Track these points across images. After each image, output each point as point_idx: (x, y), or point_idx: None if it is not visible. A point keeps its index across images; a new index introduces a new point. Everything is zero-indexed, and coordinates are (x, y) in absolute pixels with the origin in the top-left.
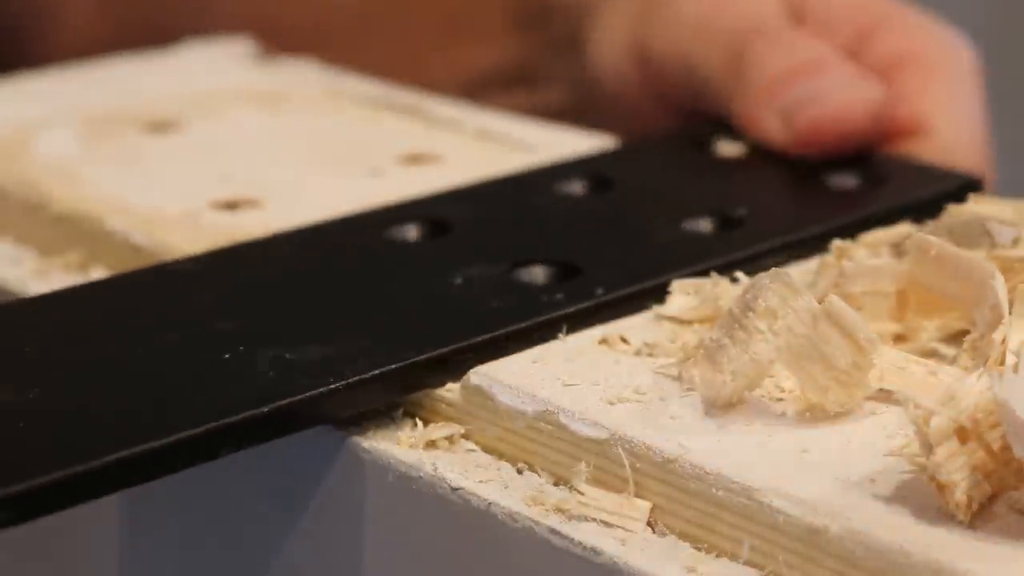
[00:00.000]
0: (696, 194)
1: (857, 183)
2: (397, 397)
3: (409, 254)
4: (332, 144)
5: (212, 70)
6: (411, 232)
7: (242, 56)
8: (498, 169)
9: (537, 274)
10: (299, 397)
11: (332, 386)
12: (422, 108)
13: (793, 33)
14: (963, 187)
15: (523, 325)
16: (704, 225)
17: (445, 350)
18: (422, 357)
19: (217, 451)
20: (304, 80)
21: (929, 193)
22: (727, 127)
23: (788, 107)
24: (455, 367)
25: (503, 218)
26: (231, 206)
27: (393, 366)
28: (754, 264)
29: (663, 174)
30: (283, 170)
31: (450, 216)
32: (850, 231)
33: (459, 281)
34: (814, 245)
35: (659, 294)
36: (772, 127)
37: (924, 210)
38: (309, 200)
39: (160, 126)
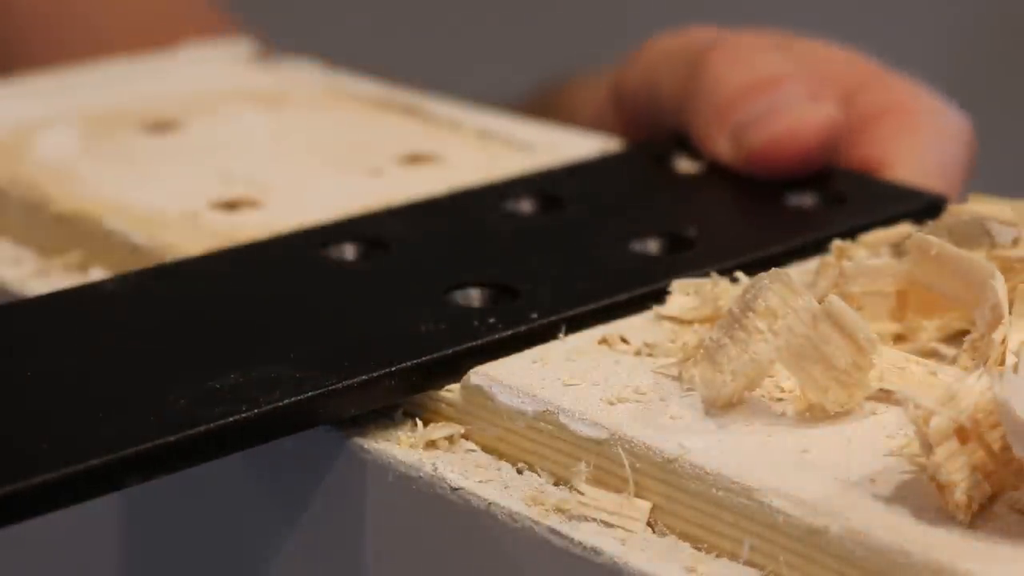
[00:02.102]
0: (648, 213)
1: (816, 202)
2: (318, 424)
3: (343, 275)
4: (332, 144)
5: (212, 70)
6: (348, 251)
7: (242, 56)
8: (498, 169)
9: (472, 297)
10: (210, 426)
11: (243, 415)
12: (422, 108)
13: (750, 47)
14: (925, 207)
15: (449, 352)
16: (652, 246)
17: (365, 377)
18: (340, 384)
19: (121, 481)
20: (304, 80)
21: (889, 214)
22: (688, 143)
23: (738, 128)
24: (379, 393)
25: (444, 237)
26: (231, 206)
27: (310, 393)
28: None
29: (617, 192)
30: (283, 170)
31: (390, 235)
32: (803, 253)
33: (391, 303)
34: (763, 267)
35: (600, 317)
36: (723, 147)
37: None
38: (309, 200)
39: (160, 126)
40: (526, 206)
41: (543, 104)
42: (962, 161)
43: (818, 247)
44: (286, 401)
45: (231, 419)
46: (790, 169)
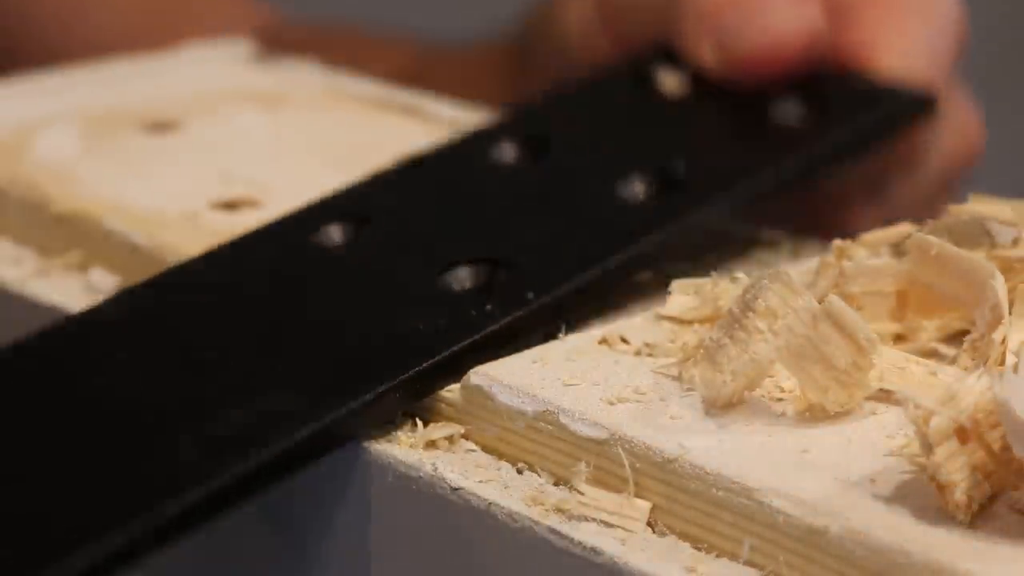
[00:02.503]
0: (634, 148)
1: (802, 113)
2: (324, 455)
3: (332, 265)
4: (332, 144)
5: (212, 70)
6: (335, 233)
7: (242, 56)
8: None
9: (464, 278)
10: (225, 478)
11: (254, 461)
12: (422, 108)
13: None
14: (912, 104)
15: (450, 353)
16: (640, 188)
17: (370, 397)
18: (345, 409)
19: (142, 556)
20: (304, 80)
21: (878, 116)
22: (671, 53)
23: (723, 35)
24: (382, 409)
25: (431, 205)
26: (231, 206)
27: (317, 424)
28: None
29: (601, 127)
30: (283, 170)
31: (375, 208)
32: (794, 179)
33: (384, 296)
34: (756, 204)
35: (595, 292)
36: (707, 55)
37: (874, 137)
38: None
39: (160, 126)
40: (510, 152)
41: (534, 24)
42: (951, 43)
43: (809, 166)
44: (294, 438)
45: (243, 468)
46: (773, 77)
